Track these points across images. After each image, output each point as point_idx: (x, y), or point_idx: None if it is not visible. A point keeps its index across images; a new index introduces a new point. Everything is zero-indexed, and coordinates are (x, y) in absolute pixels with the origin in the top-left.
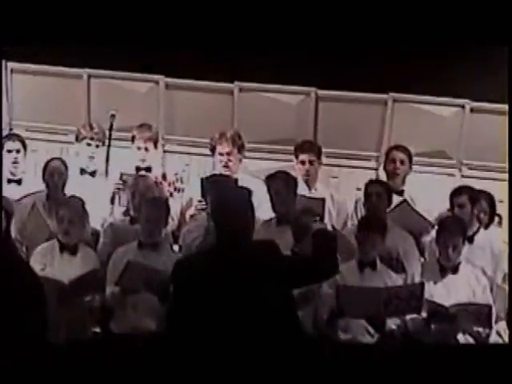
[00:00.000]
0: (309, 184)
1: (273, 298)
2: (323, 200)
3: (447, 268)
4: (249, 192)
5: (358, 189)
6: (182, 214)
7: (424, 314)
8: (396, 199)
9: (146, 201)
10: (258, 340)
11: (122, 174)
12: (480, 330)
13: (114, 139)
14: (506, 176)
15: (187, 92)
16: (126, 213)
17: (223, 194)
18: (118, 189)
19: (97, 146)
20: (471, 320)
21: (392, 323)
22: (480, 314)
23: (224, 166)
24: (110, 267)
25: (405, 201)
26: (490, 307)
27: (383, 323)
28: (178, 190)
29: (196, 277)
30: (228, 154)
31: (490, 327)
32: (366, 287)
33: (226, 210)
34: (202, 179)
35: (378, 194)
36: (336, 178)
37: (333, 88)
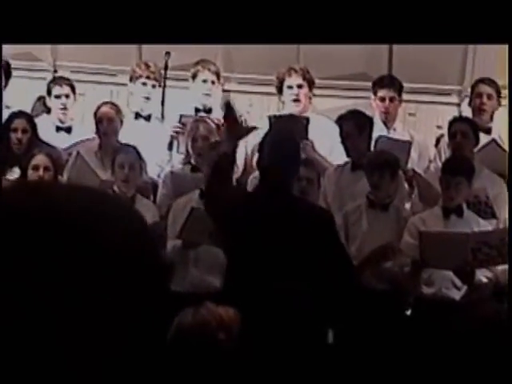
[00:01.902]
0: (387, 123)
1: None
2: (409, 143)
3: None
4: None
5: (439, 127)
6: (247, 159)
7: None
8: (483, 138)
9: (211, 145)
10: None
11: (181, 116)
12: None
13: (170, 79)
14: None
15: None
16: (185, 160)
17: (271, 141)
18: (177, 133)
19: (153, 87)
20: None
21: (481, 275)
22: None
23: (295, 100)
24: (169, 220)
25: (493, 140)
26: None
27: (472, 275)
28: None
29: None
30: (299, 86)
31: None
32: (451, 232)
33: (271, 157)
34: (269, 117)
35: (464, 133)
36: (413, 115)
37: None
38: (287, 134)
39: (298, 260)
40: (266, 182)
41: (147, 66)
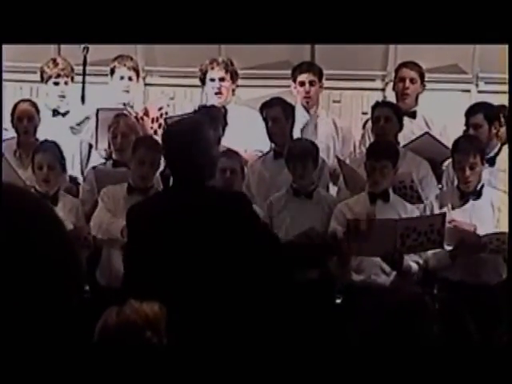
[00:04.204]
0: (308, 109)
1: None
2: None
3: (468, 193)
4: (204, 128)
5: (364, 113)
6: None
7: (447, 248)
8: (407, 121)
9: (139, 141)
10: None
11: (98, 111)
12: None
13: (89, 75)
14: None
15: None
16: (107, 156)
17: (171, 129)
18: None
19: (65, 83)
20: (501, 250)
21: (410, 260)
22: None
23: (217, 93)
24: (104, 203)
25: (427, 133)
26: None
27: (400, 260)
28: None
29: (146, 222)
30: (221, 79)
31: None
32: (378, 220)
33: (173, 149)
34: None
35: (387, 118)
36: (338, 102)
37: None
38: (190, 124)
39: (222, 252)
40: (176, 178)
41: (55, 64)
